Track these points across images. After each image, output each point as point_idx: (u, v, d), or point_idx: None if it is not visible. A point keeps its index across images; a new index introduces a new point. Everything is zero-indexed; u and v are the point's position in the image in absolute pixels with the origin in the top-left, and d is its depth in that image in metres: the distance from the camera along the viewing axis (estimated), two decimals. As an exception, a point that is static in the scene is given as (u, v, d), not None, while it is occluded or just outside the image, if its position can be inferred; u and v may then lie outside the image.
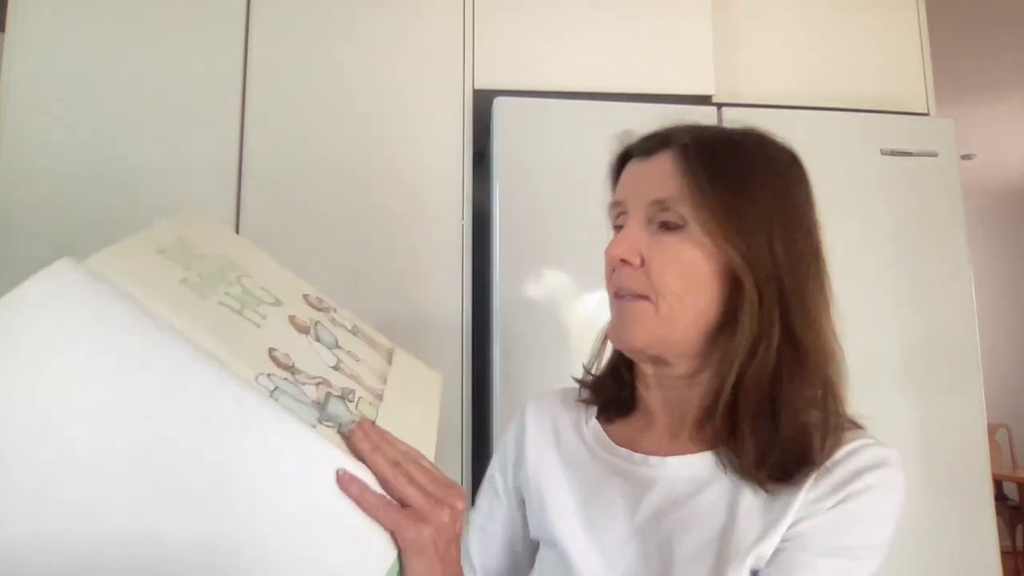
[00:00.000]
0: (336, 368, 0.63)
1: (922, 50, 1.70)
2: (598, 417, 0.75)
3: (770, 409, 0.62)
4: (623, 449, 0.70)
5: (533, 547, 0.75)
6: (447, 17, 1.56)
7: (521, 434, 0.78)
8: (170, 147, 1.46)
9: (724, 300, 0.64)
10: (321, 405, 0.56)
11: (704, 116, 1.49)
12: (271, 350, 0.58)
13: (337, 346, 0.66)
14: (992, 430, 3.93)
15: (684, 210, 0.64)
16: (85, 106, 1.46)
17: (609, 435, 0.73)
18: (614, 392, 0.75)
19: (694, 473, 0.65)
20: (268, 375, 0.55)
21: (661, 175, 0.66)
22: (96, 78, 1.46)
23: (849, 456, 0.61)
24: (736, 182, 0.64)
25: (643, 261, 0.65)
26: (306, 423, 0.52)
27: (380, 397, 0.64)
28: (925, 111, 1.68)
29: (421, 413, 0.67)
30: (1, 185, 1.40)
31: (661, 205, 0.65)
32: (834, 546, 0.59)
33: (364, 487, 0.52)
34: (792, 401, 0.62)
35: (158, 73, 1.48)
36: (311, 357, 0.61)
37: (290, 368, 0.58)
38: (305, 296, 0.70)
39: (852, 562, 0.60)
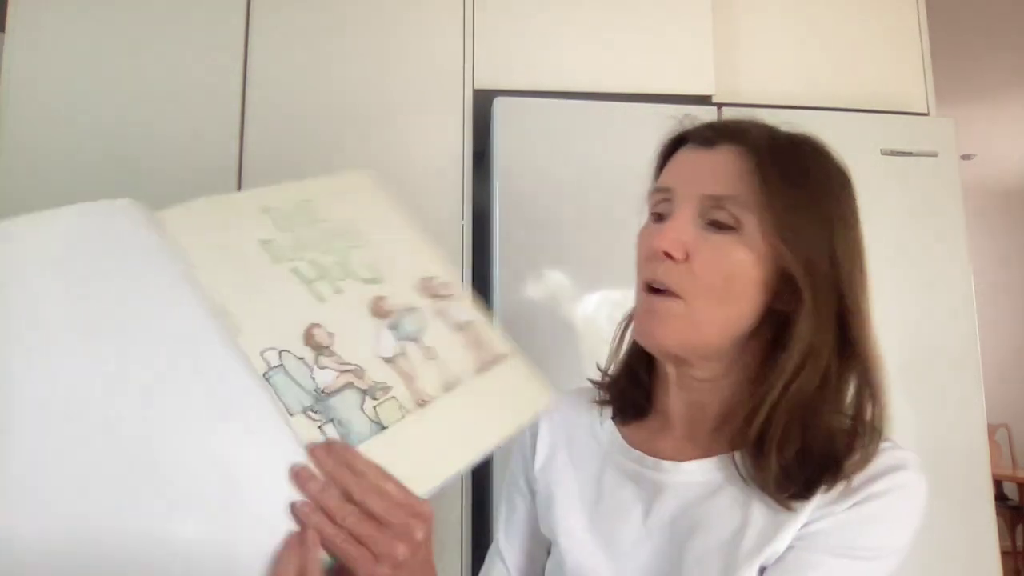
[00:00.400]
0: (389, 361, 0.60)
1: (922, 50, 1.70)
2: (614, 418, 0.73)
3: (800, 423, 0.60)
4: (637, 452, 0.69)
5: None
6: (447, 17, 1.56)
7: (534, 433, 0.77)
8: (170, 147, 1.46)
9: (762, 308, 0.63)
10: (324, 395, 0.55)
11: (704, 116, 1.49)
12: (312, 326, 0.58)
13: (414, 339, 0.63)
14: (992, 430, 3.93)
15: (741, 212, 0.61)
16: (85, 106, 1.46)
17: (625, 437, 0.71)
18: (630, 394, 0.73)
19: (709, 477, 0.64)
20: (281, 351, 0.55)
21: (724, 171, 0.63)
22: (96, 78, 1.46)
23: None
24: (803, 189, 0.62)
25: (687, 256, 0.62)
26: (283, 408, 0.52)
27: (423, 404, 0.59)
28: (925, 111, 1.68)
29: (465, 434, 0.61)
30: (1, 185, 1.40)
31: (717, 202, 0.62)
32: (846, 546, 0.58)
33: (321, 520, 0.49)
34: (828, 414, 0.61)
35: (158, 74, 1.48)
36: (363, 343, 0.60)
37: (323, 348, 0.57)
38: (424, 279, 0.67)
39: (865, 563, 0.58)
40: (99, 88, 1.46)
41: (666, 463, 0.66)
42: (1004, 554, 1.70)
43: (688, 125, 0.70)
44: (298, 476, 0.50)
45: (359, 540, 0.49)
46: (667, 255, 0.62)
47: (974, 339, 1.51)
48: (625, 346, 0.74)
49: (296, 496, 0.49)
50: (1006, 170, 4.64)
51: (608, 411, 0.74)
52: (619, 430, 0.72)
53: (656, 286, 0.63)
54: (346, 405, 0.56)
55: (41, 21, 1.47)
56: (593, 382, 0.77)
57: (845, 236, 0.63)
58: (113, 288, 0.52)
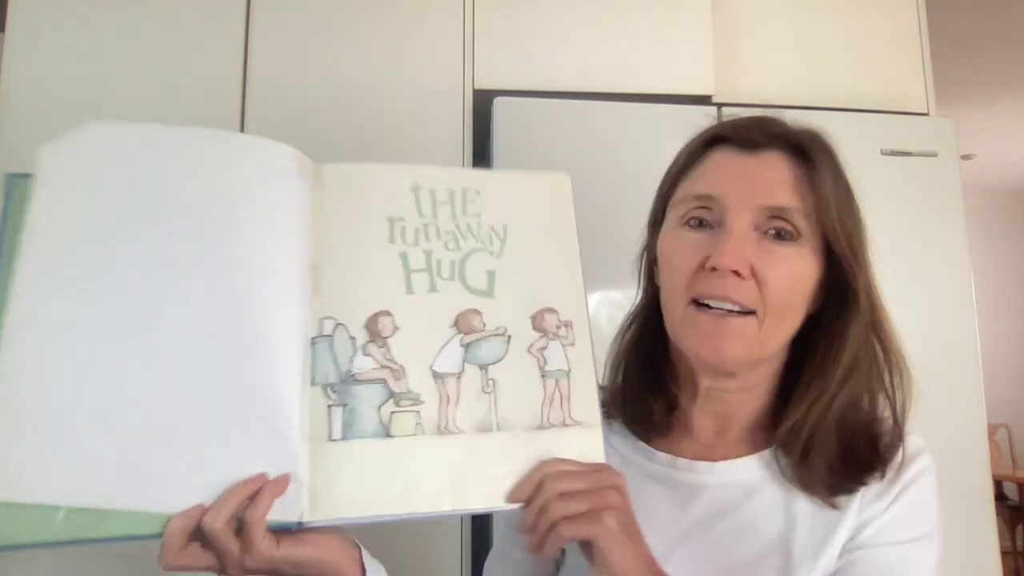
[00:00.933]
0: (438, 376, 0.57)
1: (922, 50, 1.70)
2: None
3: (846, 424, 0.61)
4: (663, 454, 0.66)
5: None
6: (447, 17, 1.56)
7: None
8: (170, 147, 1.46)
9: (805, 316, 0.63)
10: (353, 379, 0.55)
11: (704, 116, 1.48)
12: (381, 313, 0.58)
13: (482, 365, 0.58)
14: (992, 430, 3.93)
15: (800, 221, 0.60)
16: (85, 106, 1.46)
17: (641, 438, 0.68)
18: (650, 407, 0.68)
19: (744, 477, 0.63)
20: (338, 324, 0.56)
21: (780, 179, 0.61)
22: (96, 78, 1.46)
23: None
24: (846, 190, 0.63)
25: (752, 272, 0.59)
26: (303, 378, 0.54)
27: (444, 432, 0.56)
28: (925, 111, 1.68)
29: (452, 482, 0.56)
30: (1, 185, 1.40)
31: (778, 213, 0.60)
32: (904, 538, 0.60)
33: None
34: (871, 414, 0.62)
35: (158, 73, 1.48)
36: (423, 349, 0.57)
37: (379, 337, 0.57)
38: (544, 311, 0.61)
39: (922, 548, 0.60)
40: (99, 88, 1.46)
41: (700, 464, 0.64)
42: (1004, 554, 1.70)
43: (717, 125, 0.68)
44: (515, 498, 0.54)
45: (578, 517, 0.52)
46: (736, 273, 0.59)
47: (974, 339, 1.51)
48: (628, 354, 0.71)
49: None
50: (1006, 170, 4.64)
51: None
52: (633, 433, 0.69)
53: (727, 304, 0.59)
54: (366, 398, 0.55)
55: (41, 21, 1.47)
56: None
57: (865, 233, 0.64)
58: (222, 219, 0.56)
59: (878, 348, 0.63)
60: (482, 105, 1.52)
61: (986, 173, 4.60)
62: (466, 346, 0.58)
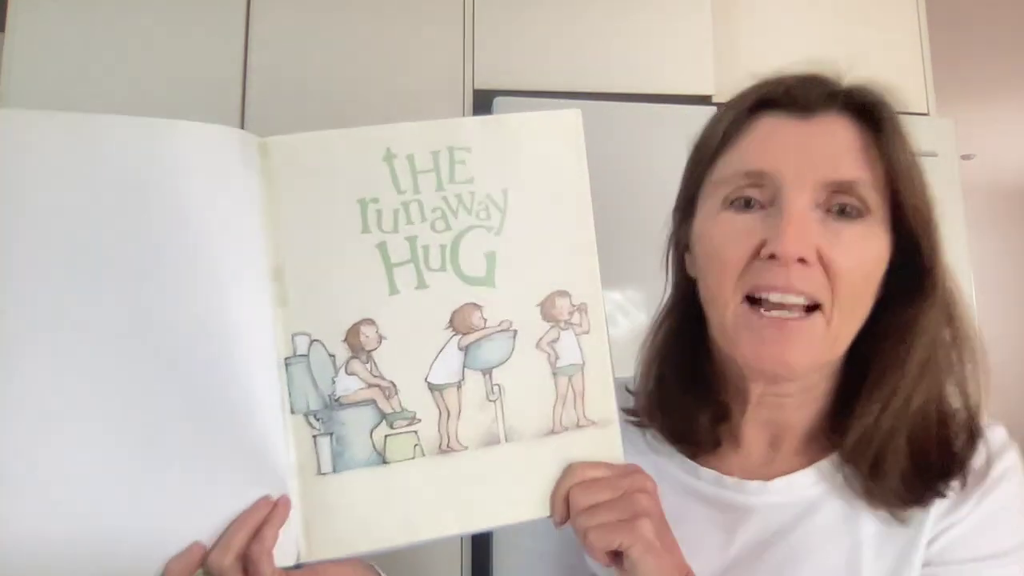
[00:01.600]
0: (436, 388, 0.50)
1: (922, 50, 1.70)
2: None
3: (921, 427, 0.53)
4: (708, 471, 0.57)
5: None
6: (447, 17, 1.56)
7: None
8: (170, 147, 1.46)
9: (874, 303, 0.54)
10: (337, 404, 0.49)
11: (704, 116, 1.49)
12: (363, 323, 0.49)
13: (485, 369, 0.51)
14: (992, 430, 3.91)
15: (872, 196, 0.51)
16: (85, 106, 1.45)
17: (684, 453, 0.59)
18: (697, 420, 0.58)
19: (801, 494, 0.54)
20: (313, 341, 0.48)
21: (844, 149, 0.52)
22: (96, 78, 1.46)
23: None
24: (913, 156, 0.53)
25: (819, 258, 0.50)
26: (280, 404, 0.48)
27: (446, 451, 0.50)
28: (925, 111, 1.68)
29: (459, 505, 0.50)
30: (1, 185, 1.40)
31: (845, 187, 0.51)
32: (985, 554, 0.51)
33: None
34: (943, 410, 0.53)
35: (158, 73, 1.48)
36: (415, 359, 0.50)
37: (362, 352, 0.49)
38: (556, 295, 0.52)
39: (1007, 568, 0.51)
40: (99, 88, 1.46)
41: (751, 483, 0.56)
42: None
43: (764, 85, 0.58)
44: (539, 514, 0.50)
45: (611, 527, 0.47)
46: (802, 261, 0.49)
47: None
48: (663, 357, 0.62)
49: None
50: (1006, 170, 4.64)
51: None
52: (673, 445, 0.60)
53: (790, 299, 0.50)
54: (355, 422, 0.49)
55: (41, 21, 1.47)
56: (628, 412, 0.61)
57: (935, 206, 0.55)
58: (172, 220, 0.47)
59: (948, 334, 0.54)
60: (482, 105, 1.52)
61: (986, 173, 4.60)
62: (465, 349, 0.50)
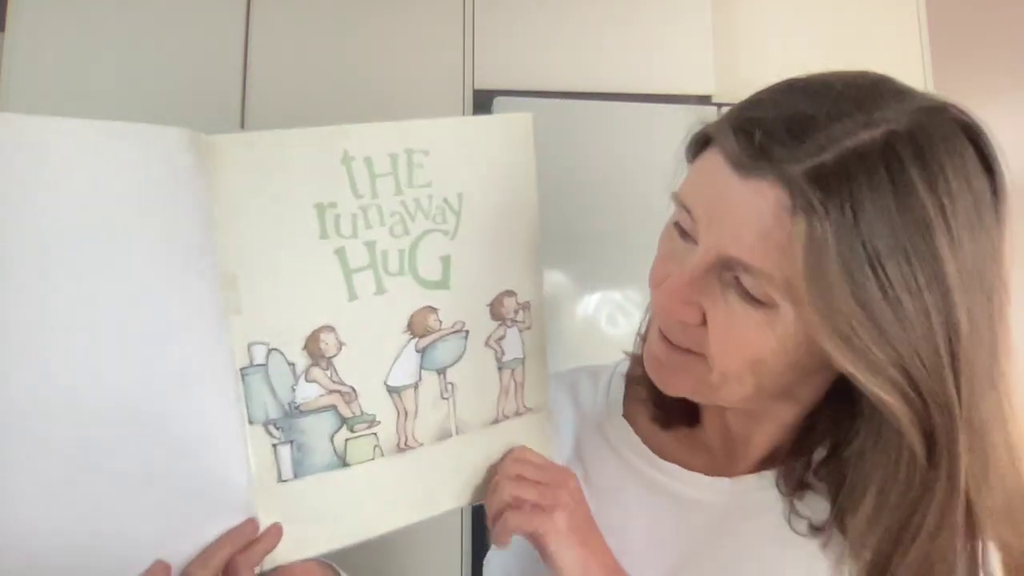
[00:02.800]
0: (394, 390, 0.51)
1: (922, 50, 1.71)
2: (624, 414, 0.61)
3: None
4: (667, 464, 0.57)
5: None
6: (447, 17, 1.56)
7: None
8: (170, 147, 1.46)
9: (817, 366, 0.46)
10: (297, 411, 0.48)
11: (703, 116, 1.49)
12: (322, 329, 0.48)
13: (440, 369, 0.52)
14: (992, 430, 3.90)
15: (773, 291, 0.41)
16: (85, 106, 1.45)
17: (645, 441, 0.59)
18: (666, 401, 0.57)
19: (759, 495, 0.53)
20: (271, 350, 0.47)
21: (757, 225, 0.41)
22: (96, 78, 1.46)
23: None
24: (889, 261, 0.38)
25: (703, 319, 0.45)
26: (242, 413, 0.46)
27: (403, 449, 0.51)
28: (925, 111, 1.68)
29: (419, 496, 0.53)
30: (1, 185, 1.40)
31: (747, 271, 0.42)
32: None
33: None
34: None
35: (158, 73, 1.48)
36: (374, 363, 0.50)
37: (322, 359, 0.48)
38: (504, 295, 0.54)
39: None
40: (99, 88, 1.46)
41: (705, 478, 0.55)
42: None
43: (712, 124, 0.49)
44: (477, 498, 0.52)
45: (525, 508, 0.49)
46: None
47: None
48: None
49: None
50: (1006, 170, 4.64)
51: (618, 405, 0.62)
52: (636, 432, 0.60)
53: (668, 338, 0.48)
54: (316, 429, 0.48)
55: (41, 21, 1.47)
56: (632, 356, 0.62)
57: (977, 291, 0.40)
58: (115, 230, 0.43)
59: (960, 514, 0.42)
60: (482, 105, 1.52)
61: (986, 173, 4.60)
62: (422, 351, 0.51)
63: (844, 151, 0.39)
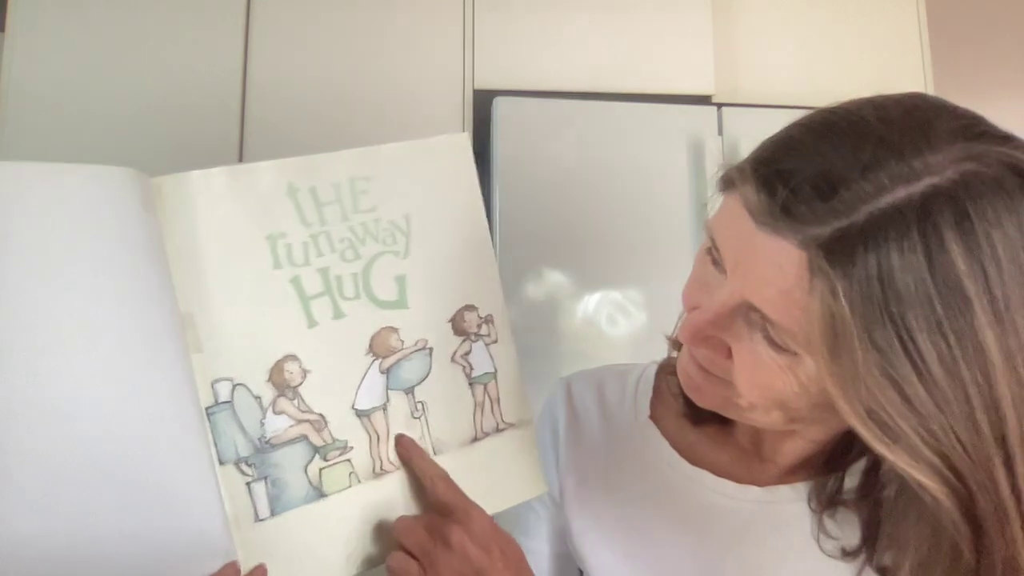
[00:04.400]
0: (363, 414, 0.51)
1: (922, 50, 1.70)
2: (651, 417, 0.60)
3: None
4: (696, 470, 0.55)
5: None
6: (447, 17, 1.56)
7: (556, 427, 0.63)
8: (170, 148, 1.46)
9: None
10: (268, 446, 0.47)
11: (704, 116, 1.49)
12: (286, 359, 0.48)
13: (407, 389, 0.52)
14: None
15: (795, 346, 0.40)
16: (85, 106, 1.45)
17: (672, 444, 0.57)
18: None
19: (785, 507, 0.52)
20: (236, 385, 0.47)
21: (778, 279, 0.38)
22: (96, 78, 1.46)
23: None
24: (921, 341, 0.35)
25: (729, 354, 0.44)
26: (212, 455, 0.45)
27: (380, 474, 0.51)
28: (925, 111, 1.68)
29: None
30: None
31: (767, 320, 0.40)
32: None
33: None
34: None
35: (158, 73, 1.48)
36: (340, 388, 0.50)
37: (287, 388, 0.48)
38: (464, 310, 0.54)
39: None
40: (99, 88, 1.46)
41: (734, 485, 0.54)
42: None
43: (734, 167, 0.43)
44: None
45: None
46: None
47: None
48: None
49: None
50: None
51: (645, 406, 0.60)
52: (664, 435, 0.58)
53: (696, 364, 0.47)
54: (289, 462, 0.48)
55: (41, 21, 1.47)
56: (663, 364, 0.61)
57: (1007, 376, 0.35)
58: (68, 273, 0.43)
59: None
60: (482, 105, 1.52)
61: (986, 173, 4.60)
62: (386, 371, 0.51)
63: (875, 212, 0.35)
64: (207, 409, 0.46)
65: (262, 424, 0.47)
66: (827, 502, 0.50)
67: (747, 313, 0.41)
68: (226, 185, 0.48)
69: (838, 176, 0.37)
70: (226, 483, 0.46)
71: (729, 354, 0.43)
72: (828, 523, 0.50)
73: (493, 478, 0.54)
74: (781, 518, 0.52)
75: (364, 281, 0.51)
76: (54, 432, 0.41)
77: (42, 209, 0.42)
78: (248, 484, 0.47)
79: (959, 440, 0.36)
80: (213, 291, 0.47)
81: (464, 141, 0.56)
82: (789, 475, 0.53)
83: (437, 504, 0.50)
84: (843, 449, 0.51)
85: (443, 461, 0.52)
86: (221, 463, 0.46)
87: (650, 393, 0.61)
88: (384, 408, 0.51)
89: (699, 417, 0.56)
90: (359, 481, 0.50)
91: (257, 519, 0.47)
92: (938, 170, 0.36)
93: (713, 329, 0.43)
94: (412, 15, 1.56)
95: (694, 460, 0.56)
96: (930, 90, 1.70)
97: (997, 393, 0.35)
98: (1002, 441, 0.36)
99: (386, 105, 1.53)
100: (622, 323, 1.41)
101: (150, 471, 0.43)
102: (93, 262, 0.43)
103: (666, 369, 0.60)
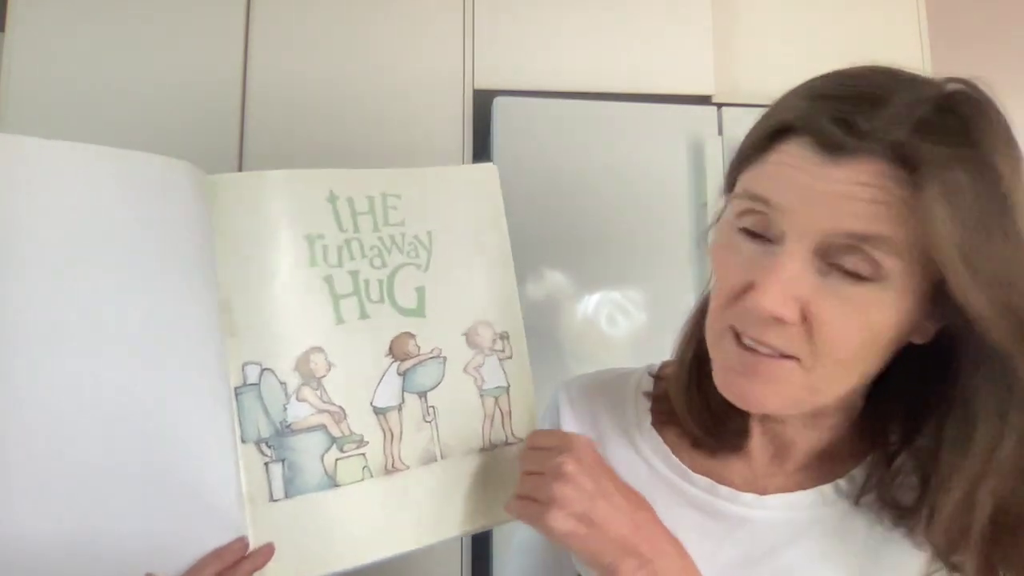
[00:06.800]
0: (380, 411, 0.53)
1: (922, 50, 1.71)
2: (653, 423, 0.59)
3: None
4: (702, 478, 0.55)
5: None
6: (447, 17, 1.56)
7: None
8: (169, 148, 1.46)
9: (891, 357, 0.47)
10: (289, 430, 0.50)
11: (704, 116, 1.49)
12: (312, 350, 0.51)
13: (421, 393, 0.55)
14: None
15: (887, 256, 0.42)
16: (85, 106, 1.45)
17: (677, 454, 0.57)
18: (714, 426, 0.56)
19: (797, 514, 0.52)
20: (264, 370, 0.50)
21: (865, 197, 0.41)
22: (96, 78, 1.46)
23: None
24: (989, 198, 0.41)
25: (804, 317, 0.44)
26: (236, 432, 0.48)
27: (391, 471, 0.53)
28: (925, 111, 1.68)
29: (406, 523, 0.54)
30: (1, 185, 1.40)
31: (853, 241, 0.42)
32: None
33: None
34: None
35: (158, 73, 1.48)
36: (361, 384, 0.53)
37: (312, 379, 0.51)
38: (478, 325, 0.58)
39: None
40: (99, 87, 1.46)
41: (745, 495, 0.53)
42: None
43: (789, 110, 0.48)
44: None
45: (527, 506, 0.50)
46: (778, 319, 0.44)
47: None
48: (692, 351, 0.58)
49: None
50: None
51: (645, 412, 0.60)
52: (666, 442, 0.58)
53: (762, 350, 0.46)
54: (307, 448, 0.50)
55: (41, 21, 1.47)
56: (656, 378, 0.61)
57: None
58: (119, 255, 0.46)
59: None
60: (482, 105, 1.52)
61: (986, 173, 4.59)
62: (403, 374, 0.54)
63: (927, 111, 0.42)
64: (236, 389, 0.49)
65: (285, 409, 0.50)
66: (876, 483, 0.50)
67: (818, 263, 0.43)
68: (275, 187, 0.52)
69: (883, 92, 0.43)
70: (246, 460, 0.49)
71: (804, 318, 0.44)
72: (889, 492, 0.49)
73: (498, 490, 0.56)
74: (792, 526, 0.52)
75: (388, 287, 0.55)
76: (92, 383, 0.44)
77: (103, 186, 0.46)
78: (266, 464, 0.49)
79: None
80: (252, 280, 0.50)
81: (492, 172, 0.60)
82: (794, 482, 0.53)
83: (539, 448, 0.52)
84: (848, 451, 0.52)
85: (448, 466, 0.54)
86: (244, 441, 0.49)
87: (650, 400, 0.61)
88: (399, 408, 0.54)
89: (717, 447, 0.55)
90: (371, 476, 0.52)
91: (271, 499, 0.49)
92: (939, 86, 0.45)
93: (789, 286, 0.43)
94: (412, 15, 1.56)
95: (699, 469, 0.56)
96: (930, 90, 1.70)
97: None
98: None
99: (386, 105, 1.53)
100: (622, 323, 1.41)
101: (174, 434, 0.46)
102: (143, 244, 0.46)
103: (659, 398, 0.60)
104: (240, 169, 1.48)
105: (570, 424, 0.61)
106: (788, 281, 0.43)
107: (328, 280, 0.53)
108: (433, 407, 0.55)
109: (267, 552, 0.48)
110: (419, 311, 0.55)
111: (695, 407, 0.55)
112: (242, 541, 0.48)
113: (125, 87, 1.47)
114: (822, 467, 0.53)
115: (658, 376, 0.62)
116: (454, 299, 0.57)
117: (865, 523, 0.50)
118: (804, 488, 0.52)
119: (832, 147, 0.43)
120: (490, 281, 0.59)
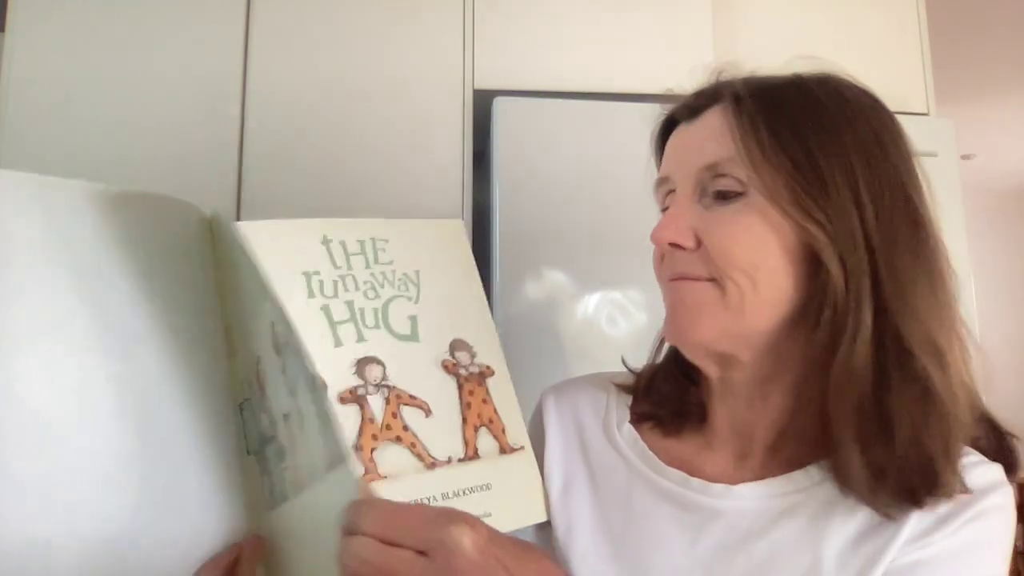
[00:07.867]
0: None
1: (922, 50, 1.70)
2: (632, 421, 0.62)
3: (878, 422, 0.49)
4: (675, 471, 0.58)
5: None
6: (447, 17, 1.56)
7: (540, 436, 0.64)
8: (170, 148, 1.46)
9: (805, 283, 0.52)
10: (267, 442, 0.52)
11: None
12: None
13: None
14: (992, 430, 3.90)
15: (742, 173, 0.52)
16: (85, 106, 1.45)
17: (653, 449, 0.60)
18: (675, 402, 0.61)
19: (768, 503, 0.53)
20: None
21: (711, 135, 0.54)
22: (96, 78, 1.46)
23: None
24: (805, 131, 0.52)
25: (699, 242, 0.53)
26: (237, 443, 0.51)
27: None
28: (925, 111, 1.68)
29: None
30: (1, 185, 1.41)
31: (714, 170, 0.53)
32: None
33: None
34: (905, 413, 0.49)
35: (158, 73, 1.48)
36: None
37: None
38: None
39: None
40: (99, 87, 1.46)
41: (716, 486, 0.55)
42: (1004, 554, 1.69)
43: (671, 105, 0.62)
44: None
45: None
46: (676, 246, 0.54)
47: (974, 339, 1.51)
48: (665, 348, 0.64)
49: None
50: (1006, 170, 4.64)
51: (624, 411, 0.63)
52: (643, 439, 0.61)
53: (677, 276, 0.55)
54: (271, 457, 0.52)
55: (41, 21, 1.47)
56: (623, 387, 0.65)
57: (875, 171, 0.52)
58: (136, 282, 0.50)
59: (891, 347, 0.50)
60: (482, 105, 1.52)
61: (986, 173, 4.60)
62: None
63: (750, 80, 0.57)
64: (239, 404, 0.52)
65: (273, 423, 0.52)
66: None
67: (699, 197, 0.55)
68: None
69: (714, 85, 0.59)
70: (248, 471, 0.51)
71: (699, 243, 0.53)
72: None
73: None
74: (765, 514, 0.53)
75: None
76: (101, 388, 0.47)
77: (112, 225, 0.51)
78: (261, 475, 0.52)
79: (842, 212, 0.51)
80: (250, 309, 0.53)
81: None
82: (765, 470, 0.55)
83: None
84: (816, 437, 0.53)
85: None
86: (249, 452, 0.52)
87: (629, 399, 0.64)
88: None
89: (680, 425, 0.60)
90: (298, 492, 0.55)
91: (271, 508, 0.52)
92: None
93: (681, 218, 0.54)
94: (412, 15, 1.56)
95: (673, 463, 0.58)
96: (930, 90, 1.70)
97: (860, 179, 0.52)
98: (871, 211, 0.52)
99: (386, 105, 1.53)
100: (622, 323, 1.41)
101: (181, 446, 0.49)
102: (142, 278, 0.51)
103: (631, 388, 0.64)
104: (240, 169, 1.48)
105: (553, 427, 0.64)
106: (678, 216, 0.55)
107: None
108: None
109: (259, 547, 0.49)
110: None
111: (656, 383, 0.62)
112: (237, 545, 0.49)
113: (125, 87, 1.47)
114: (791, 454, 0.55)
115: (638, 372, 0.65)
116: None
117: (843, 508, 0.51)
118: (775, 475, 0.54)
119: (690, 113, 0.58)
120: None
